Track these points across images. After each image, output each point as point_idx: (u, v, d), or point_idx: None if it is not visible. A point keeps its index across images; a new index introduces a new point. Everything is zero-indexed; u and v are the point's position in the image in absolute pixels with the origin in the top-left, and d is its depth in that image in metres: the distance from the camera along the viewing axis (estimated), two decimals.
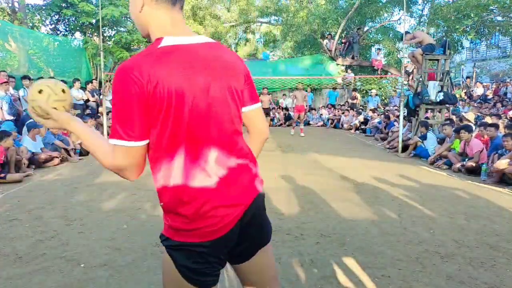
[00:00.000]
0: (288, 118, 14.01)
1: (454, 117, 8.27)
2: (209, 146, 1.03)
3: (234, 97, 1.09)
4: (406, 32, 8.45)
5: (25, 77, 7.98)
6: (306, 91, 15.15)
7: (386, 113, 10.70)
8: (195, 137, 1.00)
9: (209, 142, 1.03)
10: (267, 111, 11.32)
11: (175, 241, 1.03)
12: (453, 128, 6.58)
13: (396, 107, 11.68)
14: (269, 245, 1.20)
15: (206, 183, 1.01)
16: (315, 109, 14.63)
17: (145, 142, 0.99)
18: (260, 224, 1.16)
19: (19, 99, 7.58)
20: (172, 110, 0.95)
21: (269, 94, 11.42)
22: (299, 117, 10.76)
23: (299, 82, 12.06)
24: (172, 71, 0.95)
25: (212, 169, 1.03)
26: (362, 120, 12.10)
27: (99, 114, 9.19)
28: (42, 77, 9.09)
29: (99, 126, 8.61)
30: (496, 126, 6.06)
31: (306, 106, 11.66)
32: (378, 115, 11.30)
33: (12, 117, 6.88)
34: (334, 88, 15.26)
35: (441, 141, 7.06)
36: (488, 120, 7.45)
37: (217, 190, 1.03)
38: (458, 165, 5.87)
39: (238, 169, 1.09)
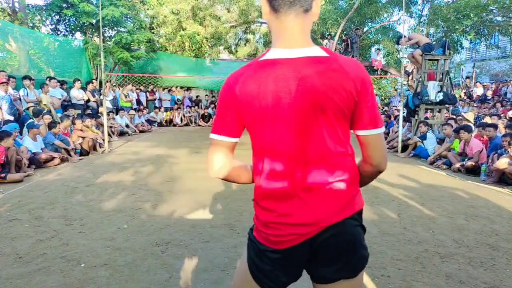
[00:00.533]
0: None
1: (454, 117, 8.27)
2: (290, 162, 1.04)
3: (329, 117, 1.01)
4: (400, 37, 8.52)
5: (26, 77, 7.99)
6: None
7: (386, 113, 10.72)
8: (276, 151, 1.04)
9: (291, 158, 1.04)
10: None
11: (253, 234, 1.12)
12: (453, 128, 6.59)
13: (395, 107, 11.69)
14: (355, 280, 1.08)
15: (278, 196, 1.05)
16: None
17: (233, 139, 1.10)
18: (342, 251, 1.05)
19: (19, 99, 7.58)
20: (257, 122, 1.03)
21: None
22: None
23: None
24: (261, 86, 1.00)
25: (287, 184, 1.04)
26: None
27: (99, 114, 9.20)
28: (52, 77, 9.10)
29: (99, 126, 8.61)
30: (495, 126, 6.07)
31: None
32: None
33: (12, 117, 6.88)
34: None
35: (440, 141, 7.07)
36: (488, 120, 7.46)
37: (288, 205, 1.04)
38: (458, 165, 5.88)
39: (322, 190, 1.04)
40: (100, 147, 7.60)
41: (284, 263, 1.10)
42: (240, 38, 22.55)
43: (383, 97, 16.03)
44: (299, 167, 1.04)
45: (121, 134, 10.25)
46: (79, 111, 8.96)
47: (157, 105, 13.85)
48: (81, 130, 7.32)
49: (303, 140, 1.02)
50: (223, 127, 1.09)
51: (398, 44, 8.71)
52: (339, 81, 0.98)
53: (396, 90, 14.77)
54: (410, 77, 11.50)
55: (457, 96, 11.10)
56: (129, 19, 13.30)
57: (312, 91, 0.98)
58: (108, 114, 8.57)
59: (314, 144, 1.02)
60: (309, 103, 0.99)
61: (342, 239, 1.05)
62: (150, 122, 12.43)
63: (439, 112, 8.06)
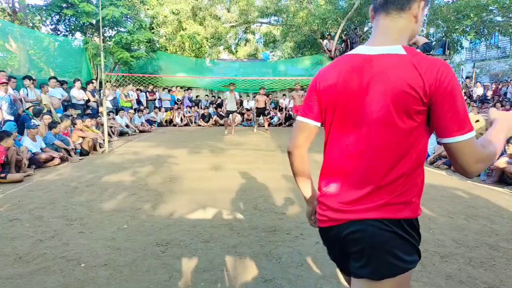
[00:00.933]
0: (288, 118, 14.03)
1: None
2: (345, 155, 1.13)
3: (391, 113, 1.02)
4: None
5: (26, 77, 7.99)
6: (304, 90, 15.21)
7: None
8: (338, 143, 1.16)
9: (346, 152, 1.13)
10: (262, 111, 11.36)
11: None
12: None
13: None
14: (382, 284, 1.06)
15: (332, 179, 1.18)
16: None
17: (315, 123, 1.24)
18: (362, 250, 1.08)
19: (20, 99, 7.59)
20: (330, 112, 1.16)
21: (265, 94, 11.45)
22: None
23: (296, 83, 12.07)
24: (336, 77, 1.13)
25: (338, 169, 1.16)
26: None
27: (99, 114, 9.20)
28: (52, 77, 9.09)
29: (99, 126, 8.61)
30: None
31: None
32: None
33: (11, 117, 6.88)
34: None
35: (438, 145, 7.07)
36: None
37: (331, 189, 1.17)
38: None
39: (360, 184, 1.09)
40: (100, 147, 7.60)
41: (325, 243, 1.26)
42: (240, 38, 22.55)
43: None
44: (353, 154, 1.11)
45: (121, 134, 10.25)
46: (79, 111, 8.96)
47: (157, 105, 13.86)
48: (81, 130, 7.32)
49: (361, 132, 1.09)
50: (309, 112, 1.23)
51: None
52: (405, 79, 1.00)
53: None
54: None
55: None
56: (129, 19, 13.30)
57: (378, 87, 1.04)
58: (108, 114, 8.57)
59: (370, 138, 1.07)
60: (373, 98, 1.05)
61: (360, 237, 1.08)
62: (150, 122, 12.43)
63: None
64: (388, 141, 1.05)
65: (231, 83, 10.78)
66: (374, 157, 1.07)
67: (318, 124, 1.23)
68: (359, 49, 1.12)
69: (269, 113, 13.61)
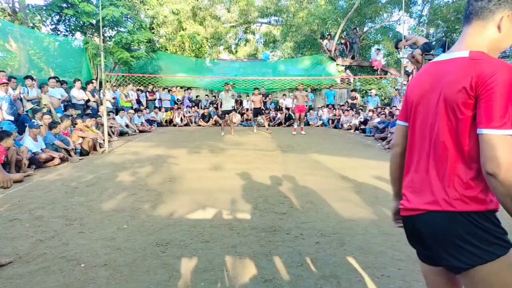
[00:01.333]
0: (288, 118, 14.03)
1: None
2: (416, 151, 1.28)
3: (448, 112, 1.14)
4: (399, 41, 8.43)
5: (27, 76, 7.99)
6: (306, 91, 15.22)
7: (390, 111, 10.77)
8: (412, 141, 1.31)
9: (416, 148, 1.27)
10: (259, 111, 11.38)
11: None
12: None
13: (395, 108, 11.69)
14: (464, 277, 1.14)
15: (408, 173, 1.32)
16: (313, 109, 14.68)
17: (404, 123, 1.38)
18: (431, 239, 1.20)
19: (20, 99, 7.59)
20: (410, 113, 1.32)
21: (260, 94, 11.47)
22: (299, 117, 10.94)
23: (300, 83, 12.09)
24: (416, 83, 1.30)
25: (412, 163, 1.29)
26: (362, 120, 12.12)
27: (99, 114, 9.20)
28: (54, 77, 9.10)
29: (99, 126, 8.61)
30: None
31: (307, 106, 11.81)
32: (378, 115, 11.30)
33: (11, 117, 6.88)
34: (331, 86, 15.31)
35: None
36: None
37: (407, 182, 1.31)
38: None
39: (426, 178, 1.22)
40: (100, 147, 7.59)
41: (405, 232, 1.40)
42: (240, 38, 22.56)
43: (383, 97, 16.05)
44: (419, 150, 1.26)
45: (121, 134, 10.24)
46: (79, 111, 8.96)
47: (157, 105, 13.85)
48: (81, 130, 7.32)
49: (426, 129, 1.22)
50: (400, 115, 1.40)
51: (397, 48, 8.58)
52: (457, 78, 1.10)
53: (397, 90, 14.77)
54: (410, 77, 11.49)
55: None
56: (129, 19, 13.29)
57: (437, 87, 1.18)
58: (108, 114, 8.57)
59: (432, 135, 1.20)
60: (434, 99, 1.19)
61: (427, 227, 1.20)
62: (150, 122, 12.43)
63: None
64: (444, 137, 1.15)
65: (226, 83, 10.78)
66: (435, 153, 1.19)
67: (407, 124, 1.36)
68: (440, 56, 1.26)
69: (268, 113, 13.63)
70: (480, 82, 1.04)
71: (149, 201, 4.11)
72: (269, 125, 12.16)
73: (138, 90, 13.47)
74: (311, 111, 14.48)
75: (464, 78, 1.08)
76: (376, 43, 17.08)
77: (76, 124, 7.41)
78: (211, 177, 5.28)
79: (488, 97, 1.02)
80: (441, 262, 1.19)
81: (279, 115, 14.19)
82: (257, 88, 11.67)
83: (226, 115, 10.65)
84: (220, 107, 10.81)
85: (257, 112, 11.41)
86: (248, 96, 15.68)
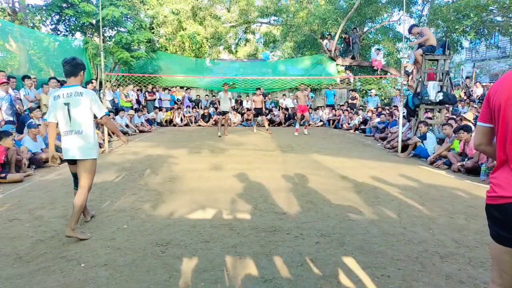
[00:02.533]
0: (288, 118, 14.02)
1: (454, 117, 8.26)
2: (500, 145, 1.46)
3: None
4: (413, 25, 8.27)
5: (25, 76, 7.98)
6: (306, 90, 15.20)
7: (390, 110, 10.77)
8: (504, 139, 1.45)
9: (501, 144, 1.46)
10: (260, 111, 11.36)
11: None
12: (453, 128, 6.59)
13: (395, 107, 11.69)
14: None
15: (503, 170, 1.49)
16: (312, 109, 14.70)
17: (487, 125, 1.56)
18: None
19: (20, 99, 7.58)
20: (495, 114, 1.47)
21: (261, 94, 11.46)
22: (303, 117, 10.92)
23: (302, 83, 12.06)
24: (498, 87, 1.46)
25: (508, 167, 1.46)
26: (361, 120, 12.12)
27: None
28: (54, 78, 9.08)
29: (99, 126, 8.61)
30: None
31: (309, 106, 11.83)
32: (377, 115, 11.30)
33: (11, 118, 6.87)
34: (331, 86, 15.30)
35: (441, 141, 7.07)
36: None
37: (496, 175, 1.51)
38: (458, 165, 5.88)
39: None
40: (100, 147, 7.59)
41: (491, 218, 1.50)
42: (240, 38, 22.54)
43: (383, 97, 16.04)
44: (505, 149, 1.45)
45: None
46: None
47: (157, 105, 13.85)
48: None
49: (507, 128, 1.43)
50: (481, 117, 1.57)
51: (410, 33, 8.42)
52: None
53: (398, 90, 14.79)
54: (410, 77, 11.49)
55: (457, 96, 11.09)
56: (129, 19, 13.29)
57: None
58: (108, 114, 8.54)
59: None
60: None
61: None
62: (150, 122, 12.43)
63: (439, 112, 8.06)
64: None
65: (225, 83, 10.75)
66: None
67: (489, 125, 1.54)
68: None
69: (268, 113, 13.61)
70: None
71: (149, 201, 4.11)
72: (269, 125, 12.16)
73: (138, 90, 13.46)
74: (310, 110, 14.50)
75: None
76: (376, 43, 17.07)
77: None
78: (211, 177, 5.28)
79: None
80: None
81: (281, 115, 14.18)
82: (259, 88, 11.65)
83: (222, 115, 10.56)
84: (219, 107, 10.79)
85: (257, 112, 11.40)
86: (248, 96, 15.68)
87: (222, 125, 10.64)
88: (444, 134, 6.94)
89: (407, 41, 12.01)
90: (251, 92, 15.71)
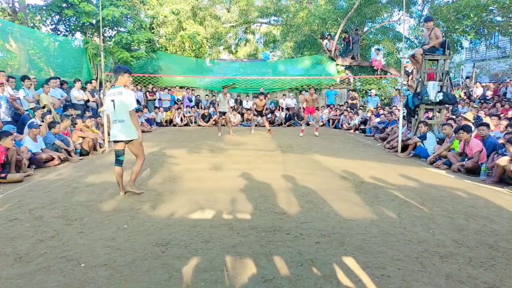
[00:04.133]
0: (288, 118, 14.03)
1: (454, 117, 8.26)
2: None
3: None
4: (430, 18, 7.71)
5: (24, 77, 7.98)
6: (307, 91, 15.22)
7: (390, 110, 10.77)
8: None
9: None
10: (261, 113, 11.33)
11: None
12: (453, 128, 6.59)
13: (395, 107, 11.70)
14: None
15: None
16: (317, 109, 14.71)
17: None
18: None
19: (19, 98, 7.57)
20: None
21: (265, 99, 11.43)
22: (313, 118, 10.86)
23: (311, 86, 11.90)
24: None
25: None
26: (361, 120, 12.12)
27: (100, 115, 9.20)
28: (54, 77, 9.09)
29: (99, 126, 8.61)
30: (487, 125, 6.10)
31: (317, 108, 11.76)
32: (376, 115, 11.31)
33: (9, 118, 6.86)
34: (332, 86, 15.30)
35: (440, 141, 7.07)
36: (488, 120, 7.45)
37: None
38: (458, 165, 5.88)
39: None
40: (100, 147, 7.60)
41: None
42: (240, 38, 22.54)
43: (383, 97, 16.05)
44: None
45: None
46: (79, 112, 8.96)
47: (157, 105, 13.86)
48: (81, 130, 7.31)
49: None
50: None
51: (425, 22, 7.98)
52: None
53: (398, 90, 14.80)
54: (410, 77, 11.50)
55: (457, 96, 11.10)
56: (129, 19, 13.29)
57: None
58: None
59: None
60: None
61: None
62: (150, 122, 12.43)
63: (439, 112, 8.06)
64: None
65: (225, 86, 10.69)
66: None
67: None
68: None
69: (268, 114, 13.60)
70: None
71: (149, 201, 4.11)
72: (269, 125, 12.18)
73: (139, 90, 13.46)
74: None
75: None
76: (376, 43, 17.07)
77: (76, 124, 7.40)
78: (211, 177, 5.28)
79: None
80: None
81: (282, 114, 14.17)
82: (263, 93, 11.62)
83: (221, 115, 10.53)
84: (217, 108, 10.72)
85: (258, 113, 11.38)
86: (248, 96, 15.69)
87: (223, 125, 10.62)
88: (444, 134, 6.94)
89: (407, 44, 11.96)
90: (251, 92, 15.72)
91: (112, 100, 4.17)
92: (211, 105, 14.65)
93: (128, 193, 4.40)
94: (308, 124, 13.43)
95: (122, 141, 4.24)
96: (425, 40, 7.81)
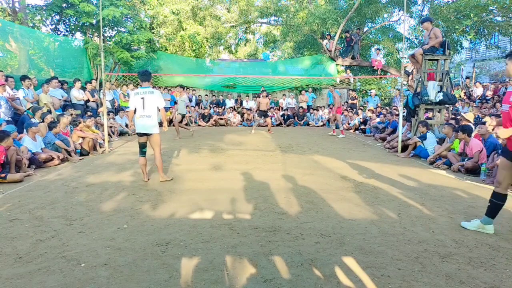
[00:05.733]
0: (287, 118, 14.03)
1: (455, 117, 8.26)
2: None
3: None
4: (428, 20, 7.79)
5: (24, 77, 7.97)
6: (307, 91, 15.25)
7: (389, 110, 10.77)
8: None
9: None
10: (264, 113, 11.23)
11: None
12: (454, 128, 6.59)
13: (395, 107, 11.70)
14: None
15: None
16: (313, 109, 14.69)
17: None
18: None
19: (18, 98, 7.56)
20: None
21: (267, 97, 11.34)
22: (335, 119, 10.85)
23: (331, 85, 11.78)
24: None
25: None
26: (361, 120, 12.12)
27: (100, 114, 9.20)
28: (54, 77, 9.10)
29: (99, 126, 8.61)
30: (483, 123, 6.11)
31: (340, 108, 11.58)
32: (377, 115, 11.31)
33: (9, 118, 6.86)
34: (332, 86, 15.33)
35: (441, 141, 7.07)
36: (488, 120, 7.45)
37: None
38: (458, 165, 5.88)
39: None
40: (100, 147, 7.59)
41: None
42: (240, 38, 22.53)
43: (383, 97, 16.05)
44: None
45: (121, 134, 10.25)
46: (79, 112, 8.96)
47: None
48: (81, 130, 7.31)
49: None
50: None
51: (422, 23, 8.03)
52: None
53: (398, 90, 14.79)
54: (410, 77, 11.49)
55: (457, 96, 11.09)
56: (129, 19, 13.29)
57: None
58: (108, 114, 8.56)
59: None
60: None
61: None
62: None
63: (439, 112, 8.06)
64: None
65: (179, 86, 10.54)
66: None
67: None
68: None
69: (273, 114, 13.63)
70: None
71: (149, 201, 4.11)
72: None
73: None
74: (312, 110, 14.52)
75: None
76: (376, 43, 17.07)
77: (79, 123, 7.38)
78: (211, 177, 5.28)
79: None
80: None
81: (275, 115, 14.20)
82: (265, 90, 11.53)
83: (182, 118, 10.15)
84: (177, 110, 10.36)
85: (262, 114, 11.19)
86: (247, 96, 15.69)
87: (181, 127, 10.37)
88: (444, 133, 6.94)
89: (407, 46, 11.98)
90: (251, 92, 15.71)
91: (142, 98, 4.77)
92: (211, 105, 14.65)
93: (128, 193, 4.41)
94: (308, 124, 13.42)
95: (145, 134, 4.82)
96: (425, 40, 7.82)
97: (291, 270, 2.50)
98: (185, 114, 10.31)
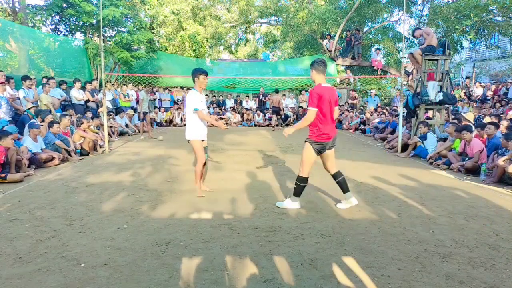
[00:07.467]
0: (286, 118, 14.03)
1: (456, 117, 8.25)
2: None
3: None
4: (416, 28, 8.45)
5: (25, 77, 7.97)
6: (307, 91, 15.24)
7: (389, 110, 10.77)
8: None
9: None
10: (277, 110, 11.64)
11: (315, 140, 3.72)
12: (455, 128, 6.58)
13: (395, 107, 11.70)
14: None
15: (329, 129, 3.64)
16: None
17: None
18: None
19: (18, 98, 7.56)
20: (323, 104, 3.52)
21: (278, 94, 11.74)
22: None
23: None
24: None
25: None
26: (361, 120, 12.12)
27: (100, 114, 9.19)
28: (50, 77, 9.10)
29: (99, 126, 8.61)
30: (495, 124, 6.07)
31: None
32: (378, 115, 11.30)
33: (9, 118, 6.86)
34: (334, 86, 15.35)
35: (442, 141, 7.06)
36: (488, 120, 7.44)
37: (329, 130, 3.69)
38: (458, 165, 5.88)
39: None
40: (100, 147, 7.59)
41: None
42: (240, 38, 22.54)
43: (383, 97, 16.05)
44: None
45: (121, 134, 10.25)
46: (79, 115, 8.96)
47: (157, 105, 13.85)
48: (84, 131, 7.29)
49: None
50: None
51: (414, 36, 8.79)
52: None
53: (398, 90, 14.78)
54: (410, 77, 11.49)
55: (457, 96, 11.09)
56: (129, 19, 13.29)
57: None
58: (108, 114, 8.56)
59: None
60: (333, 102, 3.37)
61: None
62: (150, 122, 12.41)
63: (439, 112, 8.06)
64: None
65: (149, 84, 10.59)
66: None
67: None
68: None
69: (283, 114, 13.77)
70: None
71: (149, 201, 4.11)
72: (277, 125, 12.36)
73: (139, 90, 13.48)
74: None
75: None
76: (376, 43, 17.08)
77: (81, 123, 7.36)
78: (211, 177, 5.28)
79: None
80: None
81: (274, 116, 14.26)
82: (277, 90, 11.95)
83: (145, 115, 10.03)
84: (141, 107, 10.26)
85: (275, 111, 11.61)
86: (247, 96, 15.69)
87: (145, 127, 10.35)
88: (446, 132, 6.92)
89: (407, 46, 11.99)
90: (251, 92, 15.72)
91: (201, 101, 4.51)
92: (211, 105, 14.66)
93: (128, 193, 4.41)
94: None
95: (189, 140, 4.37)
96: (421, 42, 7.99)
97: (291, 270, 2.50)
98: (147, 112, 10.41)
